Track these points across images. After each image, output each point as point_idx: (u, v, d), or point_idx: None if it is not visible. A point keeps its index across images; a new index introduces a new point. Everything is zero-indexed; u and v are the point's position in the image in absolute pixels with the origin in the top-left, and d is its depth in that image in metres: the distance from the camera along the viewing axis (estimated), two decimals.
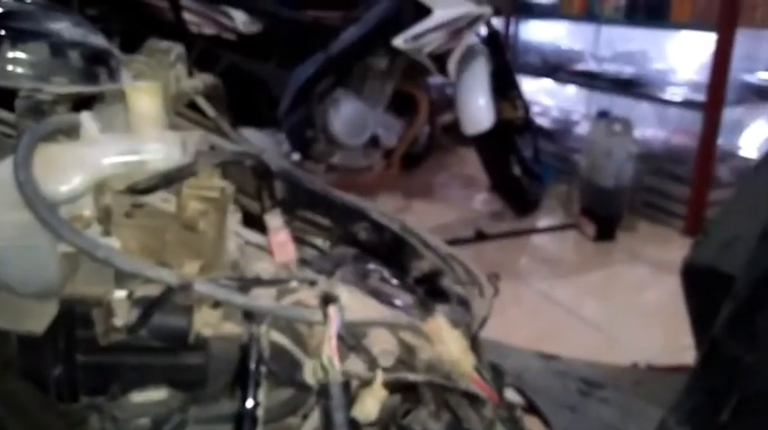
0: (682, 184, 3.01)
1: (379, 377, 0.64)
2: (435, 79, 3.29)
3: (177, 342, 0.68)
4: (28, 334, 0.71)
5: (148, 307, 0.63)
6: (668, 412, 1.05)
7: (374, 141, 2.72)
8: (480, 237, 2.90)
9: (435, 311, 0.72)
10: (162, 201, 0.66)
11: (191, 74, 0.91)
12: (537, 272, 2.76)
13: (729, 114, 2.99)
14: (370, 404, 0.60)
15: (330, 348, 0.62)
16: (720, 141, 2.98)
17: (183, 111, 0.86)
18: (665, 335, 2.19)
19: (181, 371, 0.73)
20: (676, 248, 2.87)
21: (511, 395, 1.13)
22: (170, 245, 0.61)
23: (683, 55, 3.48)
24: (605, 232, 2.90)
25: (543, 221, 3.21)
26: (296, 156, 2.48)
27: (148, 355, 0.72)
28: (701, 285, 1.23)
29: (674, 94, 3.20)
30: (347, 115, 2.54)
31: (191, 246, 0.61)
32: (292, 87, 2.44)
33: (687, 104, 3.11)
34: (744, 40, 2.87)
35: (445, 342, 0.71)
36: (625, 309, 2.40)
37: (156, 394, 0.71)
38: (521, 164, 3.08)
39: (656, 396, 1.21)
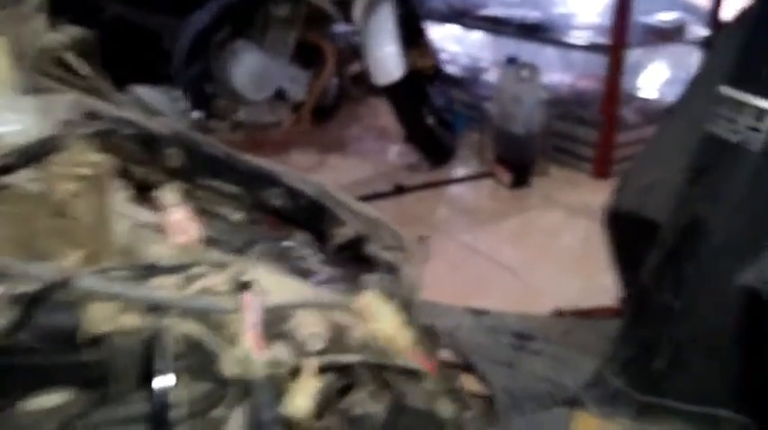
0: (589, 128, 3.05)
1: (309, 366, 0.56)
2: (341, 27, 3.15)
3: (65, 343, 0.57)
4: None
5: (27, 306, 0.52)
6: (603, 363, 1.04)
7: (280, 95, 2.58)
8: (399, 190, 2.85)
9: (365, 286, 0.64)
10: (28, 181, 0.54)
11: (53, 27, 0.77)
12: (457, 222, 2.75)
13: (631, 56, 3.04)
14: (301, 399, 0.53)
15: (250, 340, 0.54)
16: (623, 83, 3.03)
17: (49, 70, 0.73)
18: (582, 277, 2.23)
19: (79, 368, 0.63)
20: (587, 191, 2.94)
21: (447, 356, 1.09)
22: (41, 233, 0.50)
23: None
24: (520, 179, 2.91)
25: (459, 171, 3.19)
26: (197, 115, 2.31)
27: (46, 355, 0.62)
28: (622, 230, 1.22)
29: (579, 37, 3.22)
30: (249, 68, 2.38)
31: (66, 233, 0.50)
32: (186, 39, 2.25)
33: (591, 48, 3.13)
34: None
35: (378, 319, 0.64)
36: (543, 253, 2.44)
37: (57, 398, 0.61)
38: (433, 113, 3.03)
39: (587, 344, 1.21)
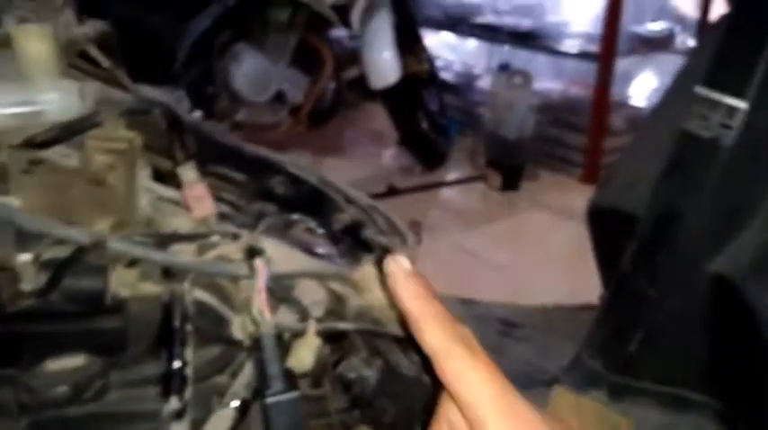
0: (579, 134, 3.13)
1: (312, 326, 0.62)
2: (338, 32, 3.23)
3: (92, 305, 0.63)
4: None
5: (58, 268, 0.58)
6: (581, 346, 1.10)
7: (279, 97, 2.65)
8: (392, 191, 2.92)
9: (363, 260, 0.71)
10: (62, 156, 0.61)
11: (80, 20, 0.83)
12: (448, 224, 2.82)
13: (620, 65, 3.13)
14: (305, 353, 0.59)
15: (260, 301, 0.60)
16: (612, 91, 3.11)
17: (74, 61, 0.79)
18: (569, 278, 2.30)
19: (98, 335, 0.69)
20: (576, 195, 3.01)
21: None
22: (77, 202, 0.57)
23: (577, 7, 3.58)
24: (510, 182, 2.99)
25: (451, 174, 3.27)
26: (197, 115, 2.37)
27: (61, 322, 0.68)
28: (605, 225, 1.29)
29: (570, 45, 3.30)
30: (249, 70, 2.45)
31: (99, 202, 0.57)
32: (188, 40, 2.32)
33: (582, 56, 3.22)
34: None
35: (374, 289, 0.70)
36: (532, 254, 2.51)
37: (73, 361, 0.66)
38: (428, 118, 3.10)
39: (571, 333, 1.27)
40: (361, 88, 3.74)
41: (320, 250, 0.74)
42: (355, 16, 2.58)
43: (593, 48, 3.10)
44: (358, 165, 3.30)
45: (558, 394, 1.02)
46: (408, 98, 3.00)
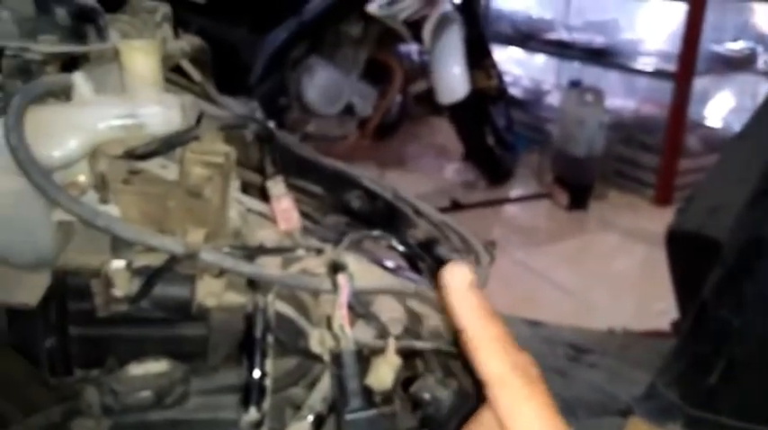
0: (651, 153, 3.05)
1: (392, 344, 0.62)
2: (405, 47, 3.25)
3: (179, 313, 0.65)
4: (17, 306, 0.68)
5: (151, 276, 0.60)
6: (656, 375, 1.06)
7: (349, 110, 2.69)
8: (455, 206, 2.91)
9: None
10: (159, 167, 0.63)
11: (176, 35, 0.87)
12: (512, 241, 2.78)
13: (698, 84, 3.03)
14: (385, 371, 0.59)
15: (341, 316, 0.60)
16: (688, 111, 3.02)
17: (168, 75, 0.82)
18: (636, 302, 2.23)
19: (180, 342, 0.71)
20: (646, 217, 2.93)
21: None
22: (173, 212, 0.59)
23: (652, 24, 3.50)
24: (578, 201, 2.93)
25: (516, 191, 3.23)
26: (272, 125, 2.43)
27: (145, 327, 0.70)
28: (686, 250, 1.25)
29: (646, 63, 3.22)
30: (322, 83, 2.49)
31: (194, 213, 0.58)
32: (265, 54, 2.38)
33: (658, 74, 3.14)
34: (712, 10, 2.90)
35: None
36: (598, 276, 2.44)
37: (156, 366, 0.68)
38: (494, 133, 3.08)
39: (642, 360, 1.23)
40: (425, 102, 3.75)
41: (391, 264, 0.74)
42: (427, 32, 2.59)
43: (670, 66, 3.01)
44: (421, 179, 3.30)
45: (633, 425, 0.99)
46: (476, 113, 2.99)
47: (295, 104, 2.49)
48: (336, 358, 0.61)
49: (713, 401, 0.98)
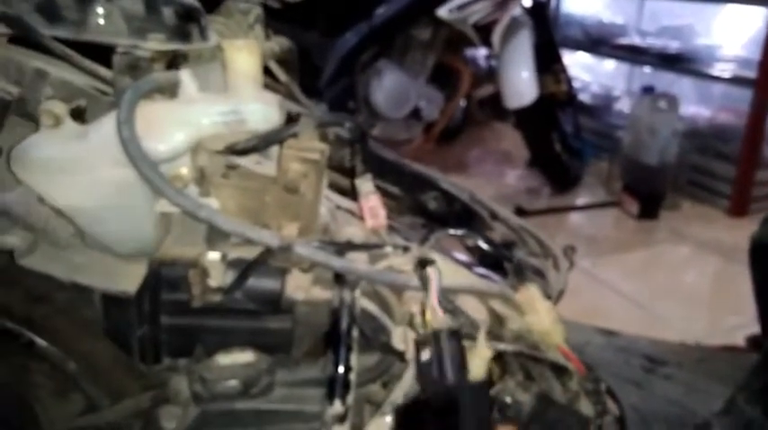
0: (727, 163, 2.94)
1: (482, 336, 0.62)
2: (471, 52, 3.23)
3: (269, 305, 0.67)
4: (112, 294, 0.71)
5: (246, 268, 0.62)
6: (737, 390, 1.03)
7: (416, 114, 2.69)
8: (520, 213, 2.87)
9: (527, 280, 0.70)
10: (255, 163, 0.65)
11: (267, 36, 0.89)
12: (578, 249, 2.72)
13: None
14: (477, 363, 0.58)
15: (433, 304, 0.61)
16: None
17: None
18: (708, 316, 2.16)
19: (266, 334, 0.72)
20: (721, 228, 2.83)
21: None
22: (269, 206, 0.60)
23: (730, 30, 3.37)
24: (648, 210, 2.85)
25: (582, 199, 3.17)
26: None
27: (233, 319, 0.72)
28: None
29: (723, 70, 3.11)
30: (390, 87, 2.51)
31: (290, 208, 0.60)
32: (335, 57, 2.41)
33: (737, 81, 3.02)
34: None
35: (538, 312, 0.70)
36: (668, 288, 2.37)
37: (243, 357, 0.70)
38: (561, 139, 3.03)
39: (720, 374, 1.19)
40: (490, 107, 3.72)
41: (483, 269, 0.74)
42: (497, 35, 2.57)
43: (749, 73, 2.90)
44: (484, 185, 3.27)
45: None
46: (543, 119, 2.95)
47: (363, 108, 2.51)
48: (435, 336, 0.60)
49: None
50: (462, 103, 3.42)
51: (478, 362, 0.57)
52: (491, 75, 3.23)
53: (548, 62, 2.89)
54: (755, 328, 1.19)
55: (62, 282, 0.70)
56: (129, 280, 0.68)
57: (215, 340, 0.72)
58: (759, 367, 1.03)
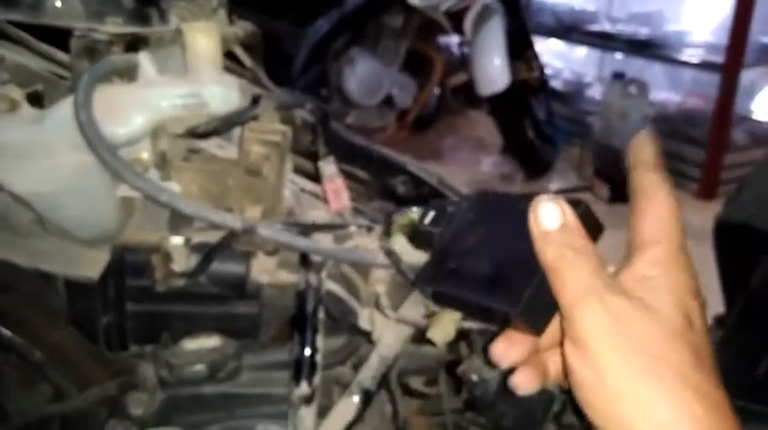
0: (696, 147, 2.98)
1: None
2: (444, 39, 3.23)
3: (234, 289, 0.67)
4: (76, 281, 0.71)
5: (209, 252, 0.62)
6: None
7: (389, 101, 2.69)
8: None
9: None
10: (217, 146, 0.65)
11: (231, 21, 0.88)
12: None
13: (744, 77, 2.96)
14: (447, 324, 0.57)
15: None
16: (735, 104, 2.95)
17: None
18: None
19: (232, 319, 0.73)
20: (690, 211, 2.87)
21: None
22: (232, 190, 0.60)
23: (699, 16, 3.42)
24: (619, 194, 2.88)
25: (555, 184, 3.20)
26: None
27: (199, 304, 0.72)
28: (734, 242, 1.22)
29: (691, 55, 3.16)
30: (362, 74, 2.51)
31: (252, 191, 0.60)
32: (307, 45, 2.40)
33: (705, 66, 3.07)
34: (761, 0, 2.82)
35: None
36: None
37: (209, 341, 0.70)
38: (534, 126, 3.06)
39: None
40: (463, 95, 3.73)
41: None
42: (468, 22, 2.58)
43: (717, 58, 2.94)
44: (458, 172, 3.29)
45: None
46: (516, 105, 2.97)
47: (335, 95, 2.51)
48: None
49: (761, 392, 0.97)
50: (436, 90, 3.43)
51: (449, 322, 0.56)
52: (464, 62, 3.24)
53: (520, 49, 2.90)
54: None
55: (26, 270, 0.69)
56: (92, 266, 0.67)
57: (181, 326, 0.72)
58: (723, 342, 1.05)
